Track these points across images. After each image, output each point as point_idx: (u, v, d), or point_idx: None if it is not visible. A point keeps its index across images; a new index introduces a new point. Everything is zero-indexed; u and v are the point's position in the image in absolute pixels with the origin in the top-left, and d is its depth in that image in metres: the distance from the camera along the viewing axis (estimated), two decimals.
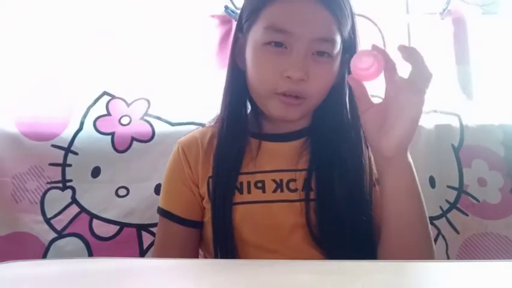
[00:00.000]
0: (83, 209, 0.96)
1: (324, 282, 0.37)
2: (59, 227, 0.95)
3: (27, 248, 0.92)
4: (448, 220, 0.98)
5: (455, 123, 1.01)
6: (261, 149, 0.71)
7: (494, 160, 0.99)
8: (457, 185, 0.99)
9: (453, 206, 0.99)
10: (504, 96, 1.02)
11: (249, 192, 0.68)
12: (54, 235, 0.94)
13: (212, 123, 0.77)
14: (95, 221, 0.95)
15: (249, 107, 0.75)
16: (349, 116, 0.71)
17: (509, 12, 1.04)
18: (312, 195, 0.67)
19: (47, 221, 0.95)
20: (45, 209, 0.95)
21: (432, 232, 0.96)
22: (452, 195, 0.99)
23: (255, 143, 0.71)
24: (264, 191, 0.68)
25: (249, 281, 0.38)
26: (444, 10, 1.03)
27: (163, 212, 0.73)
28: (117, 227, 0.95)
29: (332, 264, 0.44)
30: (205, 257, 0.76)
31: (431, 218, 0.98)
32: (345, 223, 0.65)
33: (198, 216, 0.72)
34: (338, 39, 0.66)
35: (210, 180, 0.70)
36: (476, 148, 1.00)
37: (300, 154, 0.70)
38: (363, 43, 1.03)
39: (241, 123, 0.71)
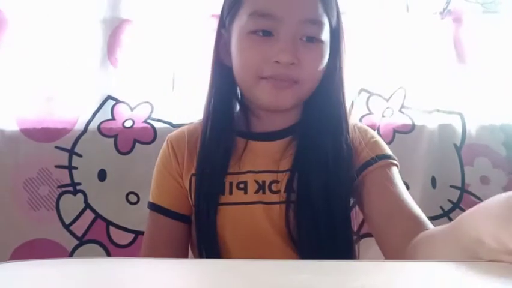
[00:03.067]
0: (98, 215, 0.97)
1: (324, 282, 0.37)
2: (79, 234, 0.96)
3: (51, 255, 0.94)
4: (450, 220, 0.98)
5: (457, 123, 1.01)
6: (247, 149, 0.69)
7: (498, 158, 0.99)
8: (459, 184, 0.99)
9: (456, 205, 0.99)
10: (505, 96, 1.02)
11: (230, 193, 0.67)
12: (76, 242, 0.96)
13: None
14: (111, 228, 0.97)
15: (237, 106, 0.73)
16: (344, 110, 0.69)
17: (510, 11, 1.04)
18: (293, 197, 0.65)
19: (67, 228, 0.96)
20: (62, 215, 0.96)
21: None
22: (455, 195, 0.99)
23: (241, 143, 0.70)
24: (245, 192, 0.67)
25: (248, 281, 0.38)
26: (444, 10, 1.03)
27: (153, 206, 0.72)
28: (132, 235, 0.97)
29: (331, 264, 0.44)
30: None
31: (431, 218, 0.98)
32: (322, 226, 0.64)
33: (187, 211, 0.71)
34: (325, 21, 0.65)
35: (193, 178, 0.70)
36: (479, 146, 1.00)
37: (283, 153, 0.68)
38: (364, 43, 1.05)
39: (227, 123, 0.70)
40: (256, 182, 0.67)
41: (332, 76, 0.68)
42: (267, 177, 0.67)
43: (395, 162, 0.68)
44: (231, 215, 0.67)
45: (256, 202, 0.67)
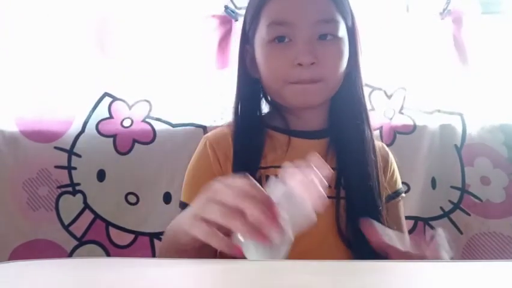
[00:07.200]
0: (97, 216, 0.97)
1: (324, 282, 0.37)
2: (78, 234, 0.96)
3: (50, 256, 0.93)
4: (450, 220, 0.98)
5: (458, 123, 1.01)
6: (291, 145, 0.71)
7: (498, 158, 0.99)
8: (460, 185, 0.99)
9: (456, 206, 0.99)
10: (505, 96, 1.02)
11: None
12: (75, 242, 0.96)
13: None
14: (111, 229, 0.97)
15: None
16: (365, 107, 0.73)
17: (510, 12, 1.04)
18: (342, 194, 0.69)
19: (66, 228, 0.96)
20: (61, 215, 0.96)
21: (428, 233, 0.98)
22: (455, 196, 0.99)
23: (284, 139, 0.72)
24: None
25: (249, 281, 0.38)
26: (444, 10, 1.03)
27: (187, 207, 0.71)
28: (132, 236, 0.97)
29: (331, 264, 0.44)
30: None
31: (431, 219, 0.99)
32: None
33: None
34: (339, 19, 0.68)
35: None
36: (479, 146, 1.00)
37: (326, 152, 0.71)
38: (364, 43, 1.04)
39: (255, 121, 0.73)
40: None
41: (351, 75, 0.72)
42: None
43: (404, 195, 0.79)
44: None
45: None
